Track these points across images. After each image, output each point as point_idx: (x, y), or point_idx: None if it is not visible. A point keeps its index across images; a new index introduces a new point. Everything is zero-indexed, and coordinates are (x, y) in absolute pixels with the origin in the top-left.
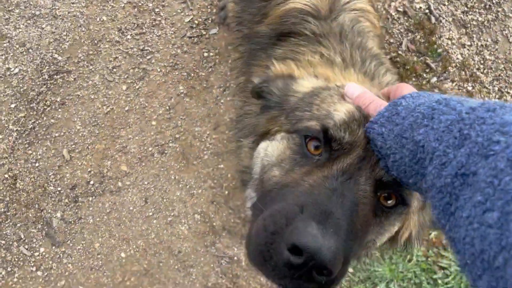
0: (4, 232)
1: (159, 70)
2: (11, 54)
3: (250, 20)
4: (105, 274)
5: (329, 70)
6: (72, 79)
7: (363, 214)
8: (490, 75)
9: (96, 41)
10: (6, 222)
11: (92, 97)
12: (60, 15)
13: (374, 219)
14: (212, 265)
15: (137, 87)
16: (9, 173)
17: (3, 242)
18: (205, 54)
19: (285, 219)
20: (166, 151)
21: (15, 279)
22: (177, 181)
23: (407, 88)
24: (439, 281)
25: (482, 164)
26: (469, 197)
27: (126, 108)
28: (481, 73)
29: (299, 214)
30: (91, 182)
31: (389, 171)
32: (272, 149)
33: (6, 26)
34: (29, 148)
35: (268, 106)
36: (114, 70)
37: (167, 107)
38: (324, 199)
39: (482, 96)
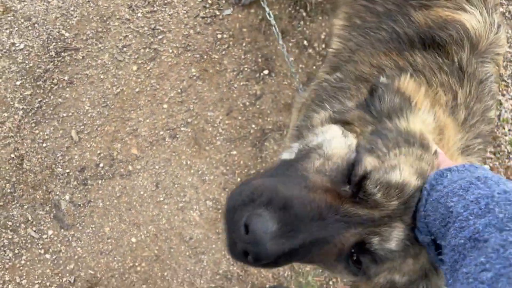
0: (11, 214)
1: (170, 51)
2: (16, 28)
3: None
4: (115, 259)
5: (449, 122)
6: (81, 57)
7: (325, 252)
8: (509, 68)
9: (105, 18)
10: (13, 203)
11: (102, 77)
12: None
13: (331, 262)
14: (223, 253)
15: (148, 68)
16: (16, 153)
17: (10, 223)
18: (219, 36)
19: (264, 198)
20: (177, 136)
21: (23, 262)
22: (188, 166)
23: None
24: None
25: (495, 235)
26: (474, 258)
27: (137, 90)
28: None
29: (278, 206)
30: (101, 165)
31: (419, 231)
32: (337, 145)
33: None
34: (36, 127)
35: (369, 107)
36: (124, 49)
37: (179, 90)
38: (307, 216)
39: (500, 89)
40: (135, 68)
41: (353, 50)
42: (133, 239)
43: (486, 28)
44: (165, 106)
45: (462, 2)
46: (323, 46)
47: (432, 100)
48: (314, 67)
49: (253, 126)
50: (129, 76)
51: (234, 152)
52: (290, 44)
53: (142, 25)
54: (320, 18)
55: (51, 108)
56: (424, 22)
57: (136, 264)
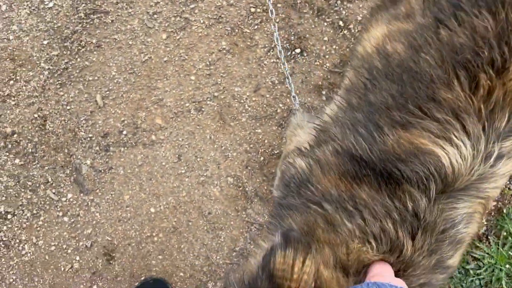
0: (31, 174)
1: (202, 21)
2: None
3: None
4: (133, 227)
5: None
6: (110, 21)
7: None
8: None
9: None
10: (34, 163)
11: (130, 42)
12: None
13: None
14: (241, 230)
15: (177, 37)
16: (39, 113)
17: (29, 183)
18: (252, 10)
19: None
20: (203, 109)
21: (40, 223)
22: (212, 141)
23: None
24: (471, 272)
25: None
26: None
27: (165, 59)
28: None
29: None
30: (124, 132)
31: None
32: None
33: None
34: (61, 89)
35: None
36: (155, 16)
37: (208, 63)
38: None
39: None
40: (164, 36)
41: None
42: (152, 209)
43: (474, 162)
44: (192, 78)
45: (453, 129)
46: (359, 28)
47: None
48: (347, 49)
49: (281, 105)
50: (157, 44)
51: (259, 131)
52: (325, 23)
53: None
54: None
55: (77, 71)
56: (392, 146)
57: (154, 234)
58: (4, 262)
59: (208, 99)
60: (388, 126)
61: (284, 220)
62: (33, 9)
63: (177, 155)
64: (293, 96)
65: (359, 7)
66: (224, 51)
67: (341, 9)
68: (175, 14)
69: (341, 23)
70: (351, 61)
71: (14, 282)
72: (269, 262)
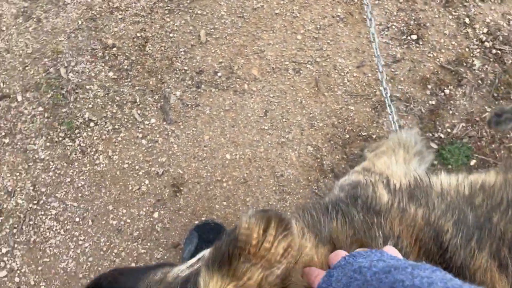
0: (121, 90)
1: None
2: None
3: None
4: (206, 168)
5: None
6: None
7: None
8: None
9: None
10: (126, 80)
11: None
12: None
13: None
14: (308, 200)
15: None
16: (142, 33)
17: (117, 98)
18: None
19: None
20: (301, 71)
21: (119, 138)
22: (302, 105)
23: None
24: None
25: None
26: None
27: (276, 11)
28: None
29: None
30: (219, 74)
31: None
32: None
33: None
34: (168, 15)
35: None
36: None
37: (318, 26)
38: None
39: None
40: None
41: None
42: (228, 156)
43: None
44: (299, 37)
45: None
46: (485, 30)
47: None
48: (466, 49)
49: (381, 88)
50: None
51: (352, 108)
52: (450, 16)
53: None
54: (492, 1)
55: (188, 1)
56: (476, 268)
57: (224, 180)
58: (77, 166)
59: (309, 62)
60: (489, 252)
61: (328, 218)
62: None
63: (264, 110)
64: (393, 122)
65: (491, 9)
66: (338, 18)
67: (471, 5)
68: None
69: (467, 20)
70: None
71: (81, 188)
72: (236, 226)
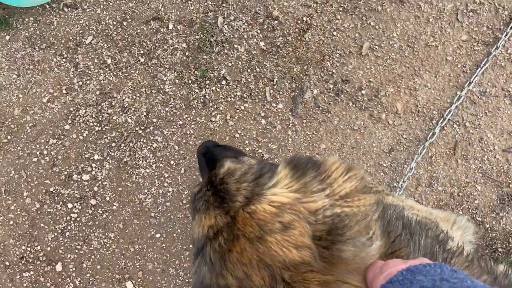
0: (264, 63)
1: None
2: None
3: None
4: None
5: None
6: None
7: None
8: None
9: None
10: (273, 56)
11: (430, 20)
12: None
13: None
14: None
15: (476, 48)
16: (307, 19)
17: (257, 70)
18: None
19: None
20: (445, 128)
21: (242, 108)
22: (430, 161)
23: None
24: None
25: None
26: None
27: (449, 58)
28: None
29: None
30: (363, 91)
31: None
32: None
33: None
34: (341, 13)
35: None
36: (470, 14)
37: (483, 91)
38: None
39: None
40: (464, 37)
41: None
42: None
43: None
44: (458, 92)
45: None
46: None
47: None
48: None
49: None
50: (452, 40)
51: (478, 188)
52: None
53: None
54: None
55: (366, 9)
56: None
57: None
58: (193, 114)
59: (457, 122)
60: None
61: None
62: None
63: (390, 147)
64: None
65: None
66: (506, 93)
67: None
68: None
69: None
70: None
71: (188, 135)
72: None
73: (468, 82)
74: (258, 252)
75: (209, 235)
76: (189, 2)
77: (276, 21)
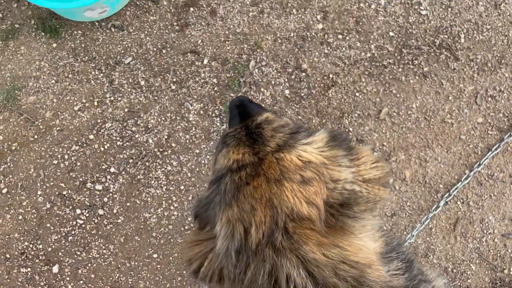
0: (286, 109)
1: None
2: None
3: None
4: None
5: None
6: (453, 67)
7: None
8: None
9: None
10: (295, 105)
11: (449, 98)
12: None
13: None
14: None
15: (495, 136)
16: (334, 76)
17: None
18: None
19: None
20: (449, 203)
21: None
22: (429, 232)
23: None
24: None
25: None
26: None
27: (462, 136)
28: None
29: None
30: (374, 154)
31: None
32: None
33: None
34: (366, 76)
35: None
36: (489, 99)
37: (491, 174)
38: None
39: None
40: (480, 120)
41: None
42: None
43: None
44: (467, 171)
45: None
46: None
47: None
48: None
49: None
50: (468, 121)
51: (473, 267)
52: None
53: None
54: None
55: (390, 76)
56: None
57: None
58: (210, 146)
59: (461, 200)
60: None
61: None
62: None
63: (392, 212)
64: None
65: None
66: None
67: None
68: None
69: None
70: None
71: (203, 165)
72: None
73: (477, 163)
74: (271, 192)
75: (232, 167)
76: (227, 42)
77: (304, 73)
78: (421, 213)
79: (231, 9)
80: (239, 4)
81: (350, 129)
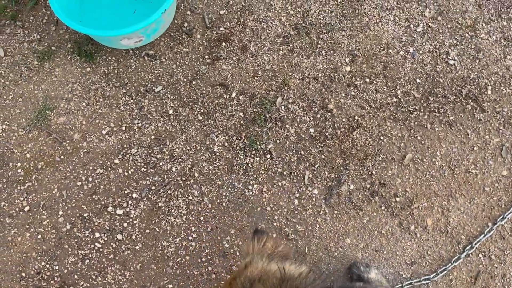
0: (310, 148)
1: None
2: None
3: None
4: (328, 264)
5: None
6: (479, 118)
7: None
8: None
9: None
10: (319, 144)
11: (474, 148)
12: None
13: None
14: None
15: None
16: (359, 119)
17: (302, 152)
18: None
19: None
20: (470, 256)
21: (279, 184)
22: (449, 283)
23: None
24: None
25: None
26: None
27: (486, 188)
28: None
29: None
30: (397, 199)
31: None
32: None
33: None
34: (391, 121)
35: None
36: (502, 154)
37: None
38: None
39: None
40: (504, 173)
41: None
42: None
43: None
44: (489, 224)
45: None
46: None
47: None
48: None
49: None
50: (493, 173)
51: None
52: None
53: None
54: None
55: (415, 123)
56: None
57: None
58: (233, 178)
59: (483, 253)
60: None
61: None
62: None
63: (412, 260)
64: None
65: None
66: None
67: None
68: None
69: None
70: None
71: (223, 197)
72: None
73: (501, 217)
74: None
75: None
76: (256, 78)
77: (329, 113)
78: (441, 263)
79: (262, 46)
80: (270, 42)
81: (373, 172)
